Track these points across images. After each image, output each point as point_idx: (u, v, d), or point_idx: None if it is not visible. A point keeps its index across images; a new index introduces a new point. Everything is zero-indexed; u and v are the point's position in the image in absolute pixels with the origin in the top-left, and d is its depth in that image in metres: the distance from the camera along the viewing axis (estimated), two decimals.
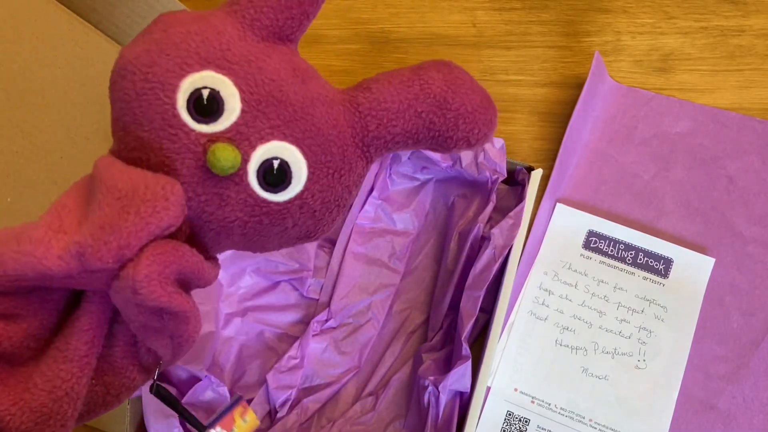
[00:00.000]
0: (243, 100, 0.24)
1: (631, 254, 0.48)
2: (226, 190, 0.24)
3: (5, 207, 0.40)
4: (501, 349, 0.47)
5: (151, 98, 0.23)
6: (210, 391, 0.44)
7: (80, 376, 0.23)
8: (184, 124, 0.23)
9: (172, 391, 0.43)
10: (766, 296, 0.47)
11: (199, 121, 0.23)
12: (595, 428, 0.44)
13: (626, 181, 0.51)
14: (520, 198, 0.46)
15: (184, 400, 0.43)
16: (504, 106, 0.54)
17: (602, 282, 0.48)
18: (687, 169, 0.50)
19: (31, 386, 0.23)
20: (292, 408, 0.45)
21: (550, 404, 0.45)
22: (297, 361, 0.46)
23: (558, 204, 0.50)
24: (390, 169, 0.50)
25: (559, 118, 0.53)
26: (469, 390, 0.41)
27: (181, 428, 0.41)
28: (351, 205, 0.48)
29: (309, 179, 0.25)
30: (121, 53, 0.24)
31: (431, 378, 0.42)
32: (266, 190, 0.25)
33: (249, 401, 0.45)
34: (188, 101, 0.23)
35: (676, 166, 0.51)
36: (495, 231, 0.44)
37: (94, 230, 0.21)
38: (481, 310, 0.43)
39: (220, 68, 0.24)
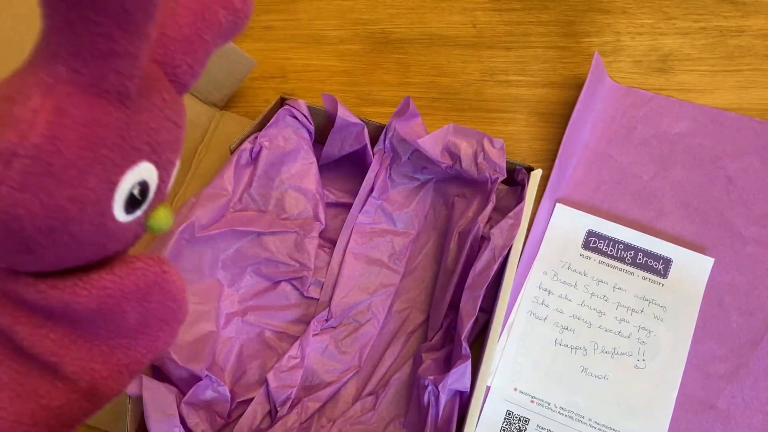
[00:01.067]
0: (159, 177, 0.22)
1: (630, 254, 0.48)
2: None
3: None
4: (501, 348, 0.47)
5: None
6: (210, 390, 0.44)
7: None
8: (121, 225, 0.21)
9: (173, 390, 0.43)
10: (765, 296, 0.47)
11: (130, 213, 0.22)
12: (595, 428, 0.45)
13: (626, 182, 0.51)
14: (520, 198, 0.46)
15: (184, 400, 0.43)
16: (504, 106, 0.55)
17: (601, 282, 0.48)
18: (686, 169, 0.51)
19: None
20: (292, 407, 0.45)
21: (549, 403, 0.45)
22: (297, 360, 0.46)
23: (557, 204, 0.50)
24: (390, 169, 0.50)
25: (558, 119, 0.53)
26: (468, 389, 0.41)
27: (181, 427, 0.41)
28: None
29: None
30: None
31: (431, 377, 0.42)
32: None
33: (249, 401, 0.45)
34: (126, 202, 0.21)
35: (676, 166, 0.51)
36: (495, 231, 0.44)
37: None
38: (480, 309, 0.43)
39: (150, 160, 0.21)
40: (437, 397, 0.41)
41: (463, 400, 0.42)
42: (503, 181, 0.48)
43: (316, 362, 0.47)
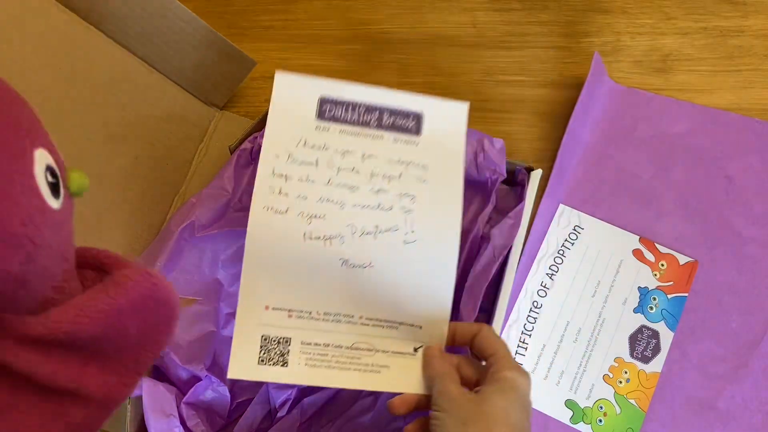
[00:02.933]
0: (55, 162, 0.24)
1: (374, 116, 0.41)
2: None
3: None
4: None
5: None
6: (210, 390, 0.44)
7: None
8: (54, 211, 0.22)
9: (173, 390, 0.43)
10: (764, 296, 0.47)
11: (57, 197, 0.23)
12: (368, 324, 0.39)
13: (625, 181, 0.51)
14: (520, 198, 0.46)
15: (184, 400, 0.43)
16: (504, 106, 0.55)
17: (347, 153, 0.40)
18: (686, 169, 0.51)
19: None
20: (292, 408, 0.45)
21: (310, 313, 0.38)
22: None
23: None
24: None
25: (558, 119, 0.53)
26: None
27: (181, 427, 0.41)
28: None
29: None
30: None
31: None
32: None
33: (249, 401, 0.45)
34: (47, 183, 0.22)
35: (675, 166, 0.51)
36: (495, 231, 0.44)
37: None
38: (480, 309, 0.43)
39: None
40: None
41: None
42: (503, 181, 0.48)
43: None
